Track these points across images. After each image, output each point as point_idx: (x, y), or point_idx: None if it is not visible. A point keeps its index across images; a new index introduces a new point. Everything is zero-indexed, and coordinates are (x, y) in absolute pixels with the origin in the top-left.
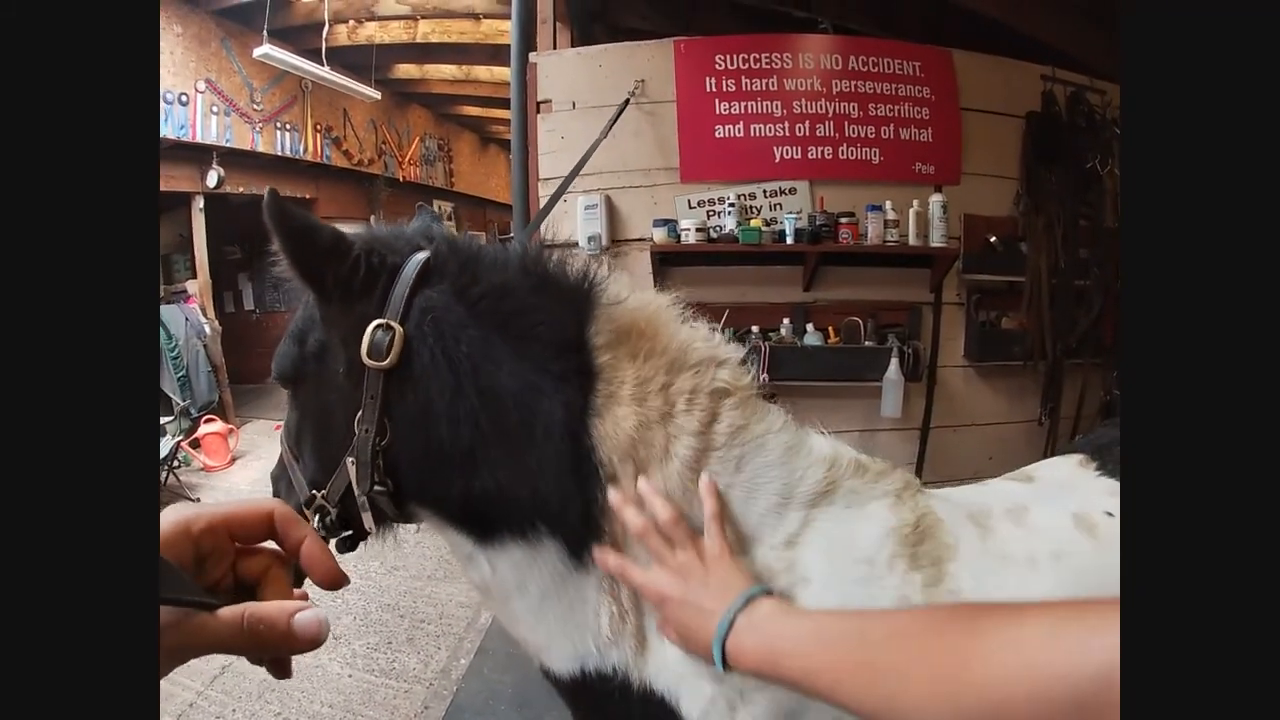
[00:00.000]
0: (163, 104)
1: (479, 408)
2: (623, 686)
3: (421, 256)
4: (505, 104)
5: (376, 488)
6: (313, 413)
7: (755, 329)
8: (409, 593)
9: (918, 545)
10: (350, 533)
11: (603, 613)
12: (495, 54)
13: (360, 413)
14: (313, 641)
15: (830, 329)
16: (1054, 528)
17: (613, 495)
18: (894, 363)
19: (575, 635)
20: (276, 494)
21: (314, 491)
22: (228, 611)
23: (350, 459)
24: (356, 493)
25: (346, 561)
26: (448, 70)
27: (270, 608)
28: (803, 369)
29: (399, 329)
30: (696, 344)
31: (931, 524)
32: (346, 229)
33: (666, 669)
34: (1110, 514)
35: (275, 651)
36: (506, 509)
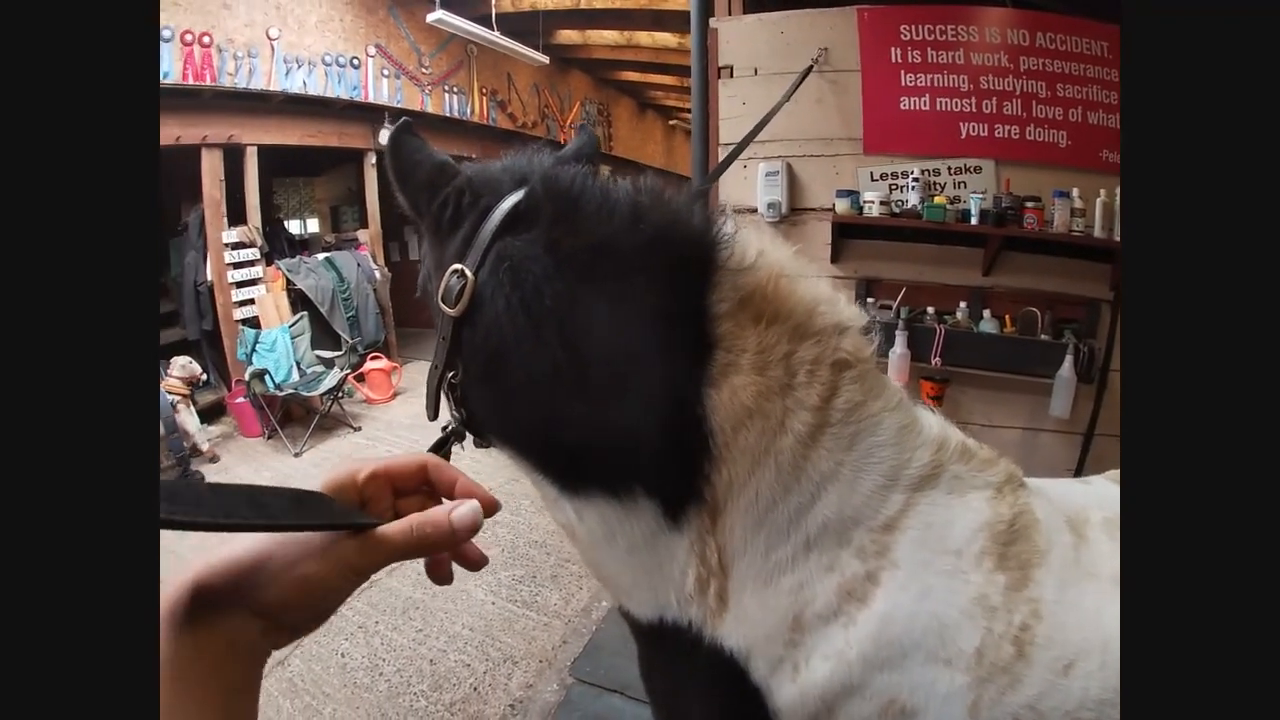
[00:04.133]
0: (335, 66)
1: (565, 362)
2: (695, 639)
3: (511, 201)
4: (665, 70)
5: (454, 413)
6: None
7: (931, 310)
8: (556, 533)
9: (1009, 545)
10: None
11: (690, 572)
12: (658, 19)
13: (436, 346)
14: (471, 529)
15: (1007, 317)
16: None
17: None
18: (1068, 360)
19: (659, 588)
20: None
21: (427, 413)
22: (399, 523)
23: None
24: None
25: (498, 498)
26: (609, 36)
27: (432, 511)
28: (975, 356)
29: (471, 276)
30: (821, 308)
31: (1027, 524)
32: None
33: (740, 629)
34: None
35: (443, 546)
36: (596, 467)
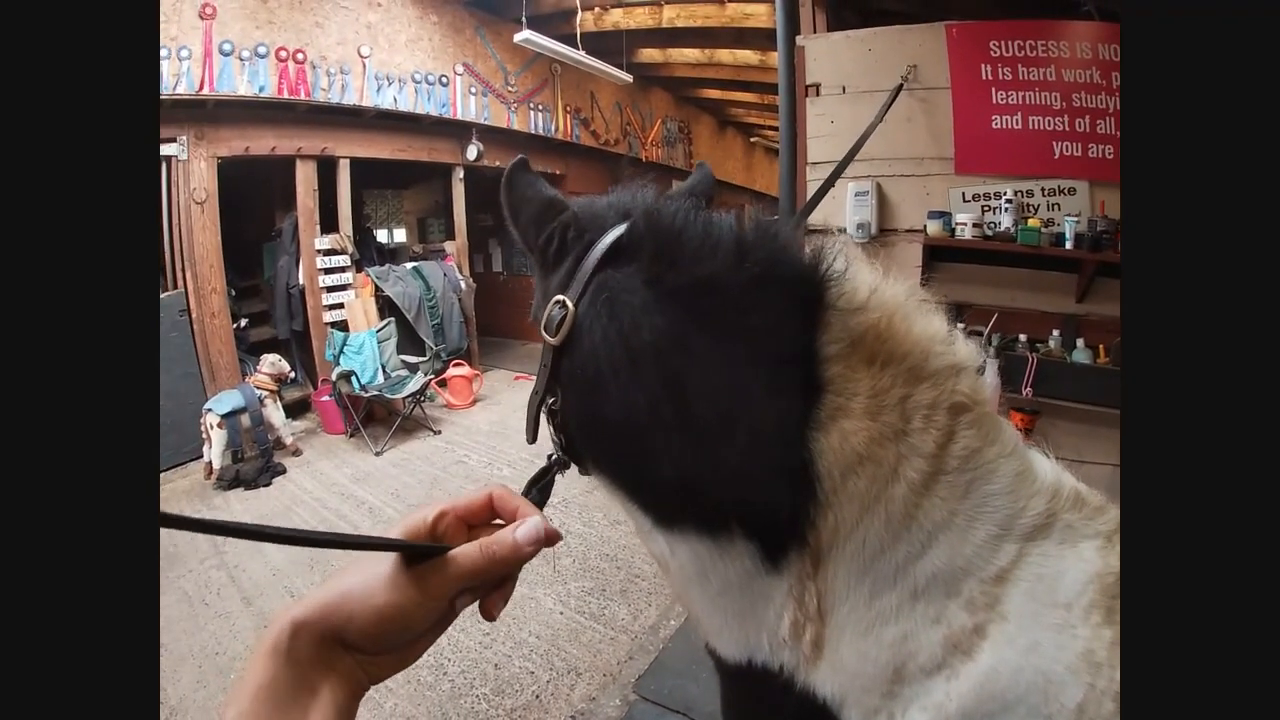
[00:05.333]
0: (424, 84)
1: (662, 397)
2: (785, 684)
3: (614, 235)
4: (746, 87)
5: (554, 439)
6: None
7: (1023, 337)
8: (628, 547)
9: (1116, 598)
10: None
11: (785, 616)
12: (739, 37)
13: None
14: (535, 541)
15: (1101, 347)
16: None
17: None
18: None
19: (750, 630)
20: None
21: (527, 437)
22: (469, 547)
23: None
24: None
25: (572, 509)
26: (690, 54)
27: (499, 533)
28: (1067, 387)
29: (572, 307)
30: (936, 347)
31: None
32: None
33: (836, 677)
34: None
35: (511, 562)
36: (691, 504)
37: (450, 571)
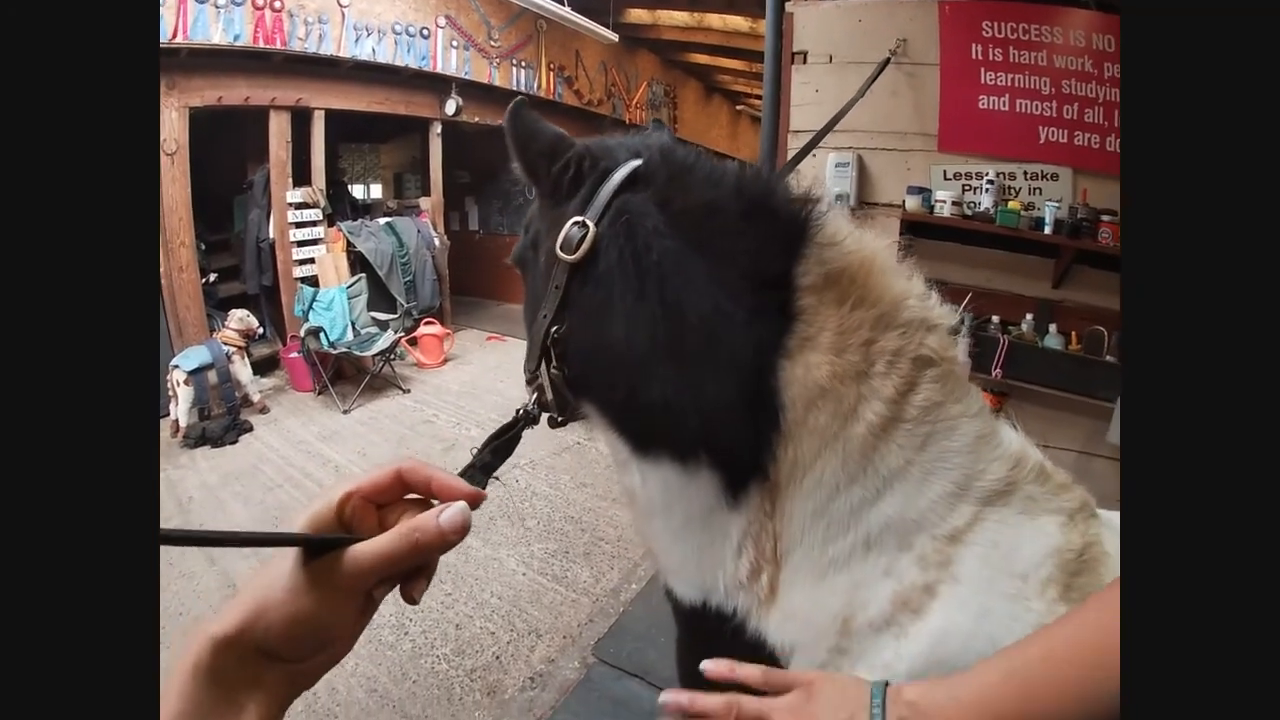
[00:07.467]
0: (405, 36)
1: (660, 318)
2: (736, 629)
3: (632, 165)
4: (735, 54)
5: (552, 370)
6: (528, 296)
7: (996, 319)
8: (592, 510)
9: (1075, 575)
10: (556, 415)
11: (743, 557)
12: (730, 1)
13: (544, 299)
14: (460, 530)
15: (1073, 334)
16: None
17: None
18: None
19: (707, 569)
20: None
21: (528, 369)
22: (387, 534)
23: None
24: (539, 371)
25: (539, 471)
26: (680, 17)
27: (422, 516)
28: (1037, 372)
29: (593, 227)
30: (910, 301)
31: (1096, 556)
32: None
33: (787, 624)
34: None
35: (435, 549)
36: (669, 427)
37: (366, 562)
